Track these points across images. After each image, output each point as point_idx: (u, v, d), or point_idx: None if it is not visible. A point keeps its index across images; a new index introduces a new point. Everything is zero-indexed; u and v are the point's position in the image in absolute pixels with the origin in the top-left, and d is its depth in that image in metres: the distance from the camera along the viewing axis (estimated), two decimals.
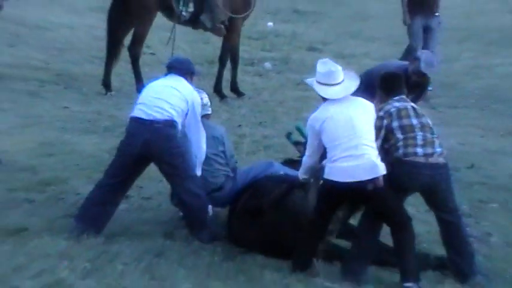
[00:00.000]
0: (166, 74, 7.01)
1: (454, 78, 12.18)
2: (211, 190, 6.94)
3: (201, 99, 7.00)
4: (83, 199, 6.90)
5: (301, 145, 7.52)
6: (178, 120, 6.72)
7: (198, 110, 6.83)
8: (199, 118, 6.84)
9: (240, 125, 9.37)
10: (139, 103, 6.82)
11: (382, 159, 6.17)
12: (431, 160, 6.17)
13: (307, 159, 6.43)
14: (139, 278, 6.06)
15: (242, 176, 7.04)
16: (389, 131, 6.24)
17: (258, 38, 13.63)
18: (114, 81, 10.70)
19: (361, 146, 6.09)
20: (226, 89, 10.77)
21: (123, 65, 10.73)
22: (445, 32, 14.87)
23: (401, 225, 6.16)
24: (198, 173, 6.86)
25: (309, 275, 6.15)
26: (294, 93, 11.01)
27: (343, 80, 6.29)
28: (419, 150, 6.16)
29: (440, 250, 6.47)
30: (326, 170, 6.19)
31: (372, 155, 6.09)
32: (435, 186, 6.22)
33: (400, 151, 6.17)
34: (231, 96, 10.74)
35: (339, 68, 6.33)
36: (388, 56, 12.97)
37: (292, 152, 8.31)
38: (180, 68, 6.97)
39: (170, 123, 6.67)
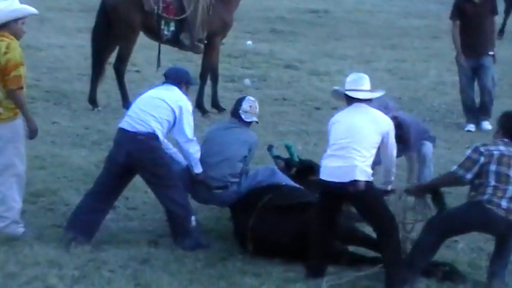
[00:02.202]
0: (162, 83, 6.99)
1: (423, 93, 12.23)
2: (215, 187, 6.90)
3: (250, 106, 7.05)
4: (73, 209, 6.86)
5: (281, 160, 7.49)
6: (162, 131, 6.70)
7: (187, 118, 6.74)
8: (188, 125, 6.74)
9: None
10: (127, 114, 6.83)
11: (471, 195, 6.11)
12: (510, 217, 6.05)
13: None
14: (126, 284, 6.04)
15: (247, 180, 6.98)
16: (484, 171, 6.08)
17: (238, 56, 13.62)
18: (102, 98, 10.66)
19: (350, 150, 6.10)
20: (207, 104, 10.74)
21: (109, 82, 10.68)
22: (413, 51, 15.04)
23: (385, 232, 6.14)
24: (199, 170, 6.81)
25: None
26: (271, 108, 11.01)
27: (369, 90, 6.39)
28: (504, 203, 6.02)
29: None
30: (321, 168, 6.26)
31: (356, 160, 6.08)
32: (503, 236, 6.17)
33: (485, 197, 6.03)
34: (212, 111, 10.72)
35: (366, 77, 6.45)
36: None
37: (271, 162, 8.30)
38: (174, 77, 6.96)
39: (152, 136, 6.65)
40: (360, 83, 6.40)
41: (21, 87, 6.59)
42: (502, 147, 6.17)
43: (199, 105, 10.49)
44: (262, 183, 6.95)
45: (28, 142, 6.94)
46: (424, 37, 16.21)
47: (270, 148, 7.67)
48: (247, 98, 7.25)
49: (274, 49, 14.24)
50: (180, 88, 6.88)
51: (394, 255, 6.12)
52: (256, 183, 6.95)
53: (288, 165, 7.43)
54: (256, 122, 7.27)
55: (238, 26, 13.63)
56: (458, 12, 10.37)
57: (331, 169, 6.15)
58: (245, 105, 7.10)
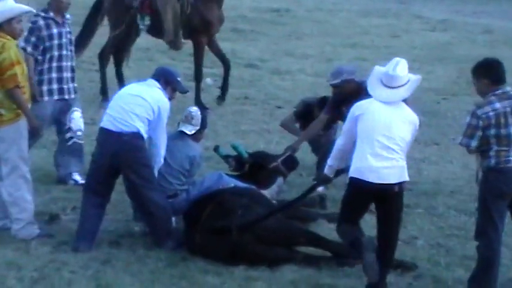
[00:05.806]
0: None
1: None
2: (167, 196, 6.85)
3: (193, 118, 6.96)
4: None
5: (232, 159, 7.52)
6: (145, 129, 6.63)
7: (164, 118, 6.71)
8: (164, 124, 6.73)
9: None
10: (108, 113, 6.71)
11: (482, 161, 5.98)
12: None
13: (340, 141, 6.16)
14: (86, 285, 5.98)
15: (196, 187, 6.99)
16: (485, 136, 5.91)
17: None
18: None
19: (392, 150, 5.92)
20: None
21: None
22: (373, 50, 15.11)
23: (398, 224, 6.10)
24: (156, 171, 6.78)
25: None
26: (233, 107, 11.01)
27: (407, 82, 6.22)
28: (511, 158, 5.94)
29: None
30: (355, 167, 5.95)
31: (400, 161, 5.96)
32: None
33: (492, 161, 5.93)
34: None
35: (404, 74, 6.25)
36: (321, 71, 13.10)
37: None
38: (155, 73, 6.91)
39: (137, 135, 6.58)
40: (394, 82, 6.15)
41: (18, 86, 6.52)
42: (497, 105, 5.94)
43: (198, 103, 10.47)
44: (210, 189, 6.89)
45: None
46: (384, 36, 16.33)
47: (216, 149, 7.67)
48: (188, 109, 7.12)
49: (235, 48, 14.23)
50: (159, 83, 6.78)
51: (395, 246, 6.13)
52: (205, 190, 6.91)
53: (239, 163, 7.45)
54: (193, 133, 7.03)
55: None
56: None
57: (377, 169, 5.86)
58: (183, 117, 7.03)
